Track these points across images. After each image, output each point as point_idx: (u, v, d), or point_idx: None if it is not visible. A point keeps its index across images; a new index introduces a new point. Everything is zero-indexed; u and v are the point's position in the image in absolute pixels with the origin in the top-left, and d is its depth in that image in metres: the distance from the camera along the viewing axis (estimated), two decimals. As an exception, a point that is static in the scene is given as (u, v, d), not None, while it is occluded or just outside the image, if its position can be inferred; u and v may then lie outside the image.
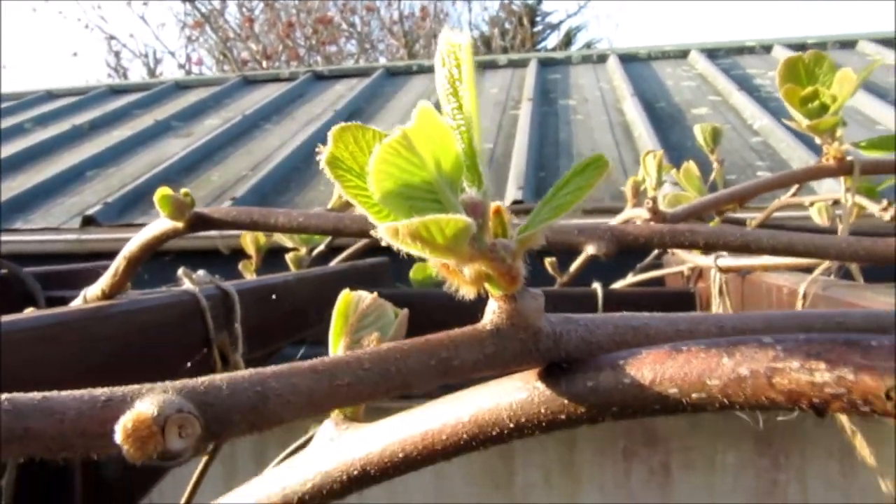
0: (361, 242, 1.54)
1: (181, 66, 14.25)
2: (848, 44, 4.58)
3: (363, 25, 13.82)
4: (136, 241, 0.82)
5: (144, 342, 0.91)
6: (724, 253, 1.14)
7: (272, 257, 1.40)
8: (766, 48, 4.79)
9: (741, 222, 1.35)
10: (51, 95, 5.46)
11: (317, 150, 0.25)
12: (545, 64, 4.99)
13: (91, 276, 0.93)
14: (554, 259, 1.60)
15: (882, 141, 0.98)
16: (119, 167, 3.59)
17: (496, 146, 3.37)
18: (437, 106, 0.24)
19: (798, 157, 2.73)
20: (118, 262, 0.85)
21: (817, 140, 0.98)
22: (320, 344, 0.35)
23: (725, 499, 2.33)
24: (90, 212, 2.77)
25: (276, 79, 5.39)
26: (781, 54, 4.03)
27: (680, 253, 1.28)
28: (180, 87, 5.39)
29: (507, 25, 13.72)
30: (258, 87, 5.16)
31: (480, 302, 0.28)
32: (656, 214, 0.91)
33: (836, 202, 1.27)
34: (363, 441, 0.29)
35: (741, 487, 2.32)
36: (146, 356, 0.89)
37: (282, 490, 0.31)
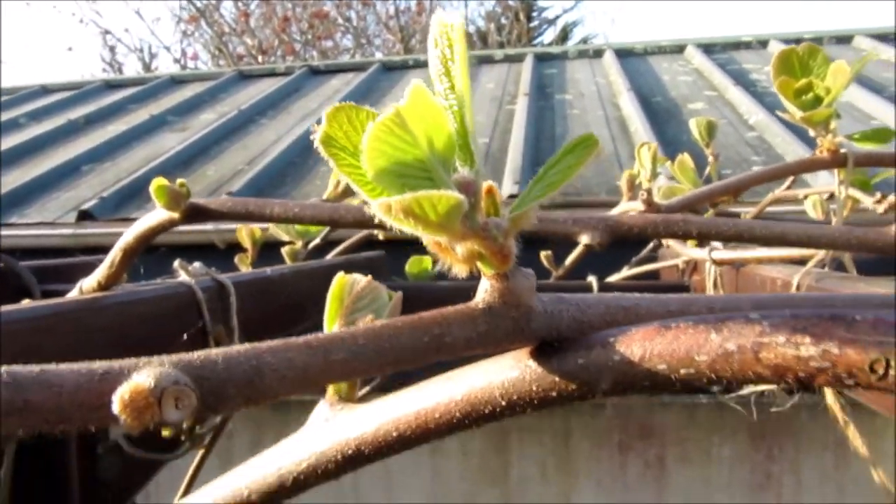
0: (357, 236, 1.55)
1: (176, 61, 14.22)
2: (844, 39, 4.59)
3: (359, 20, 13.80)
4: (132, 231, 0.82)
5: (140, 334, 0.92)
6: (719, 246, 1.14)
7: (268, 251, 1.40)
8: (763, 43, 4.79)
9: (735, 216, 1.36)
10: (46, 90, 5.45)
11: (312, 129, 0.25)
12: (541, 59, 4.99)
13: (87, 270, 0.93)
14: (549, 252, 1.61)
15: (876, 133, 0.99)
16: (114, 162, 3.58)
17: (492, 141, 3.37)
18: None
19: (793, 152, 2.73)
20: (114, 254, 0.85)
21: (811, 133, 0.98)
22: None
23: (721, 491, 2.34)
24: (86, 206, 2.77)
25: (272, 73, 5.38)
26: (778, 49, 4.04)
27: (675, 246, 1.29)
28: (176, 81, 5.38)
29: (503, 21, 13.70)
30: (254, 82, 5.15)
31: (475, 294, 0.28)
32: (651, 206, 0.92)
33: (831, 196, 1.27)
34: (357, 421, 0.30)
35: (736, 480, 2.33)
36: (141, 348, 0.90)
37: (277, 470, 0.31)
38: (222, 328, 1.02)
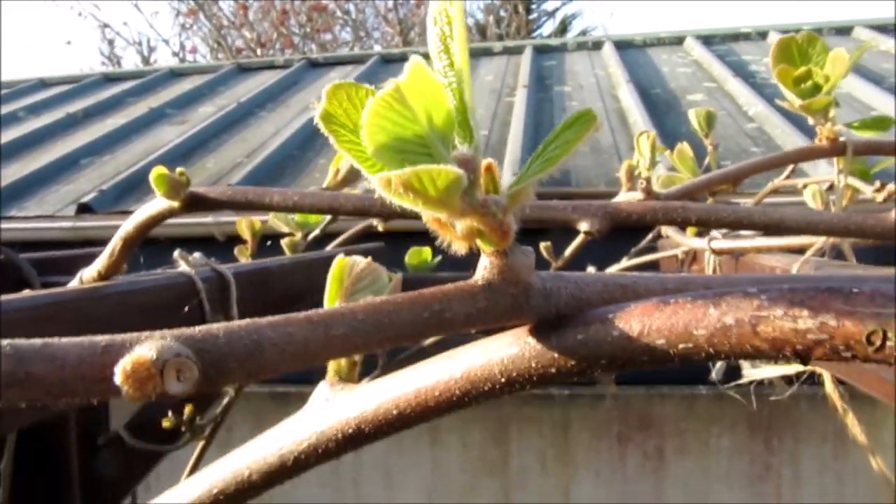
0: (357, 227, 1.55)
1: (175, 54, 14.20)
2: (844, 30, 4.58)
3: (358, 13, 13.78)
4: (132, 221, 0.82)
5: (140, 323, 0.92)
6: (718, 235, 1.15)
7: (268, 243, 1.40)
8: (762, 34, 4.79)
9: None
10: (44, 84, 5.44)
11: (312, 105, 0.25)
12: (540, 51, 4.98)
13: (87, 262, 0.93)
14: (549, 243, 1.61)
15: (875, 121, 0.99)
16: (114, 155, 3.58)
17: (491, 133, 3.37)
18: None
19: (793, 144, 2.73)
20: (114, 243, 0.85)
21: (811, 122, 0.98)
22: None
23: (720, 482, 2.35)
24: (85, 199, 2.77)
25: (271, 66, 5.37)
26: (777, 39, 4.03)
27: (674, 236, 1.29)
28: (175, 74, 5.37)
29: (502, 13, 13.67)
30: (253, 75, 5.15)
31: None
32: (650, 195, 0.92)
33: (831, 187, 1.27)
34: (358, 400, 0.30)
35: (735, 471, 2.34)
36: (142, 337, 0.90)
37: (278, 450, 0.31)
38: (222, 318, 1.02)
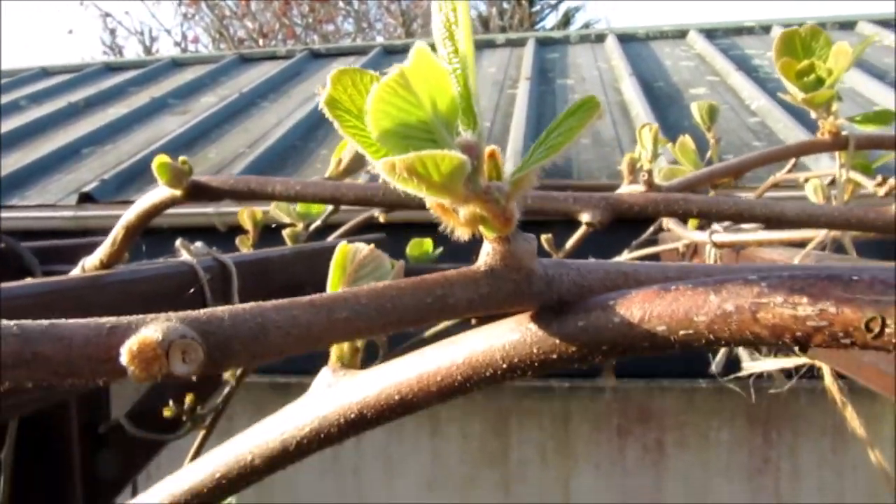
0: (358, 218, 1.55)
1: (177, 44, 14.18)
2: (847, 24, 4.57)
3: (360, 4, 13.74)
4: (134, 209, 0.83)
5: (141, 312, 0.92)
6: (719, 228, 1.15)
7: (269, 234, 1.40)
8: (765, 28, 4.77)
9: (736, 198, 1.35)
10: (46, 73, 5.44)
11: (317, 91, 0.25)
12: (543, 43, 4.97)
13: (88, 251, 0.93)
14: (550, 236, 1.61)
15: (877, 115, 0.99)
16: (115, 144, 3.58)
17: (494, 125, 3.37)
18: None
19: (795, 138, 2.73)
20: (116, 232, 0.85)
21: (813, 116, 0.98)
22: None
23: (719, 475, 2.35)
24: (87, 189, 2.77)
25: (273, 57, 5.36)
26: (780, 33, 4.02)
27: (675, 229, 1.29)
28: (177, 64, 5.37)
29: (505, 5, 13.63)
30: (255, 65, 5.14)
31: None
32: (651, 187, 0.92)
33: (833, 182, 1.28)
34: (360, 386, 0.30)
35: (735, 464, 2.35)
36: (144, 325, 0.90)
37: (280, 435, 0.32)
38: (224, 308, 1.03)
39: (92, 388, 1.18)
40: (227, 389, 1.15)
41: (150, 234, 1.01)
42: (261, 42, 12.80)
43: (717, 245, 1.15)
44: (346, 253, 0.35)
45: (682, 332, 0.24)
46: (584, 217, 0.64)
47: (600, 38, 5.01)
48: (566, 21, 14.28)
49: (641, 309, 0.25)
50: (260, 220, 1.38)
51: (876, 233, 0.68)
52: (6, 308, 0.69)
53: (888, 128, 1.01)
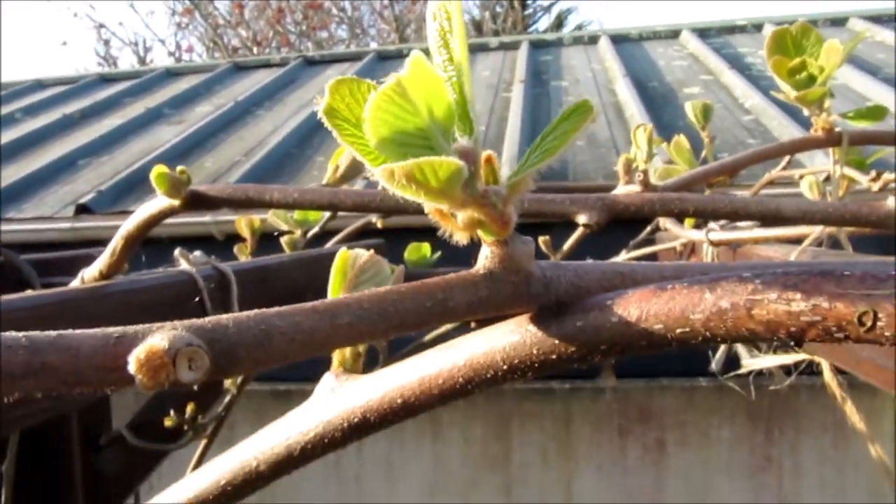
0: (356, 224, 1.55)
1: (171, 54, 14.19)
2: (839, 21, 4.59)
3: (354, 10, 13.76)
4: (133, 220, 0.83)
5: (142, 322, 0.92)
6: (716, 227, 1.15)
7: (267, 242, 1.41)
8: (757, 27, 4.79)
9: (732, 197, 1.36)
10: (41, 85, 5.44)
11: (315, 100, 0.26)
12: (537, 46, 4.98)
13: (87, 262, 0.93)
14: (548, 238, 1.61)
15: (870, 111, 0.99)
16: (111, 155, 3.58)
17: (488, 128, 3.37)
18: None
19: (790, 135, 2.74)
20: (115, 242, 0.86)
21: (806, 113, 0.99)
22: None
23: (720, 473, 2.36)
24: (83, 200, 2.77)
25: (267, 65, 5.37)
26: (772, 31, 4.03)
27: (672, 228, 1.29)
28: (171, 74, 5.37)
29: (497, 9, 13.66)
30: (249, 74, 5.15)
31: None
32: (647, 187, 0.92)
33: (828, 178, 1.28)
34: (363, 390, 0.30)
35: (736, 462, 2.35)
36: (144, 335, 0.90)
37: (285, 441, 0.32)
38: (223, 316, 1.03)
39: (93, 400, 1.18)
40: (228, 398, 1.16)
41: (149, 244, 1.01)
42: (255, 50, 12.81)
43: (713, 243, 1.16)
44: (347, 259, 0.35)
45: (678, 330, 0.25)
46: (581, 218, 0.64)
47: (593, 39, 5.02)
48: (559, 23, 14.31)
49: (638, 308, 0.25)
50: (258, 228, 1.38)
51: (870, 228, 0.68)
52: (6, 320, 0.69)
53: (881, 123, 1.02)
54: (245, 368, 0.24)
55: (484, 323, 0.30)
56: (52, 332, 0.22)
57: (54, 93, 5.07)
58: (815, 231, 0.95)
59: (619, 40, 4.83)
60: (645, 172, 0.92)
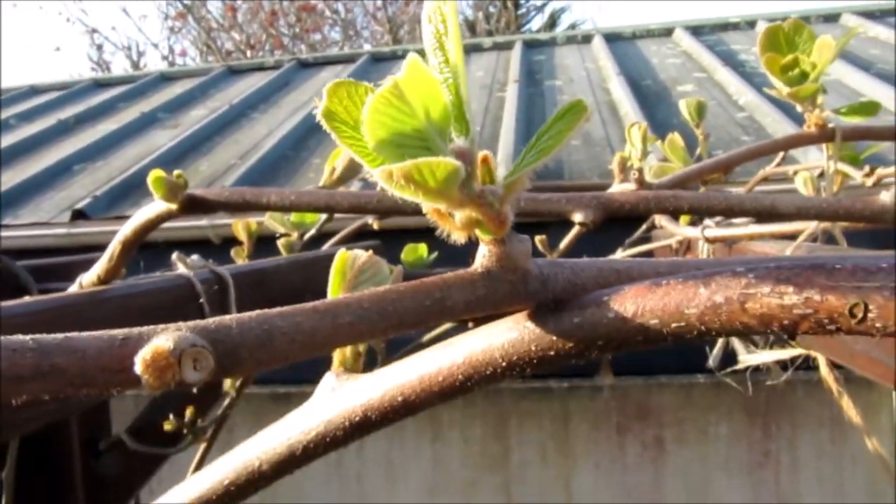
0: (352, 226, 1.56)
1: (164, 58, 14.17)
2: (831, 17, 4.60)
3: (347, 12, 13.76)
4: (130, 224, 0.83)
5: (140, 326, 0.92)
6: (711, 224, 1.16)
7: (263, 245, 1.41)
8: (750, 24, 4.80)
9: (727, 194, 1.36)
10: (35, 91, 5.43)
11: (314, 104, 0.26)
12: (530, 45, 4.99)
13: (83, 268, 0.93)
14: (544, 237, 1.62)
15: (863, 106, 1.00)
16: (106, 160, 3.58)
17: (483, 128, 3.38)
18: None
19: (784, 131, 2.75)
20: (113, 247, 0.86)
21: (800, 110, 1.00)
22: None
23: (719, 470, 2.36)
24: (79, 205, 2.77)
25: (261, 68, 5.37)
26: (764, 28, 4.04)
27: (667, 226, 1.30)
28: (165, 78, 5.37)
29: (491, 9, 13.67)
30: (243, 77, 5.14)
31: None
32: (642, 185, 0.93)
33: (822, 174, 1.29)
34: (363, 389, 0.31)
35: (734, 458, 2.36)
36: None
37: (287, 440, 0.32)
38: (221, 319, 1.03)
39: (92, 405, 1.18)
40: (227, 401, 1.16)
41: (146, 249, 1.02)
42: (248, 53, 12.81)
43: (709, 240, 1.16)
44: (346, 259, 0.35)
45: (674, 325, 0.25)
46: (577, 217, 0.65)
47: (587, 38, 5.03)
48: (552, 23, 14.32)
49: (634, 304, 0.26)
50: (254, 231, 1.39)
51: (865, 223, 0.69)
52: (6, 326, 0.69)
53: (874, 119, 1.03)
54: (248, 368, 0.24)
55: (481, 321, 0.31)
56: (59, 335, 0.23)
57: (49, 98, 5.07)
58: (810, 227, 0.96)
59: (612, 39, 4.84)
60: (640, 170, 0.92)
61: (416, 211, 0.28)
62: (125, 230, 0.84)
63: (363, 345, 0.35)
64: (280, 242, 1.39)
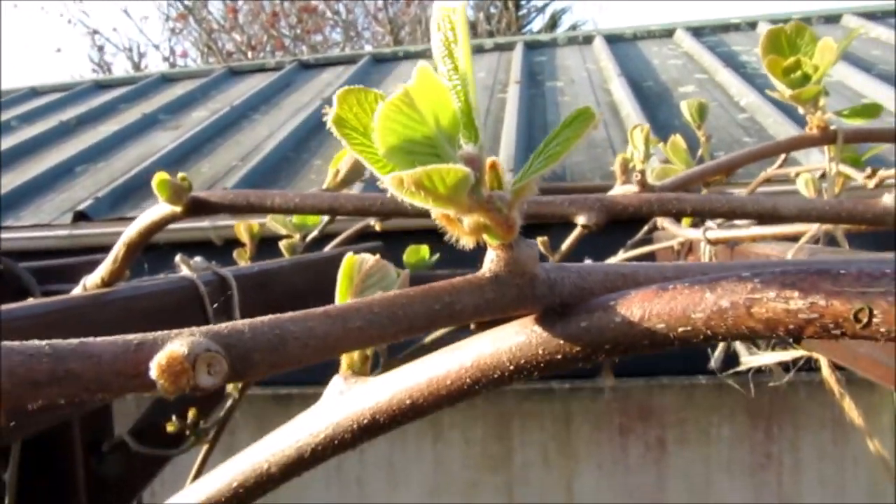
0: (354, 227, 1.56)
1: (165, 59, 14.19)
2: (832, 18, 4.60)
3: (348, 13, 13.77)
4: (134, 226, 0.83)
5: (144, 328, 0.92)
6: (713, 226, 1.16)
7: (266, 246, 1.41)
8: (752, 25, 4.80)
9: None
10: (36, 92, 5.44)
11: (323, 111, 0.26)
12: (531, 47, 4.99)
13: (86, 270, 0.93)
14: (546, 238, 1.62)
15: (865, 108, 1.00)
16: (108, 162, 3.58)
17: (485, 129, 3.38)
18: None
19: (785, 133, 2.75)
20: (117, 249, 0.86)
21: (802, 112, 1.00)
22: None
23: (721, 471, 2.36)
24: (81, 207, 2.77)
25: (263, 69, 5.37)
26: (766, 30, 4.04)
27: (669, 227, 1.30)
28: (166, 79, 5.37)
29: (492, 10, 13.68)
30: (244, 78, 5.15)
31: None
32: (645, 187, 0.93)
33: (824, 175, 1.29)
34: (372, 392, 0.31)
35: (736, 459, 2.36)
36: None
37: (295, 443, 0.33)
38: (224, 321, 1.03)
39: (95, 407, 1.18)
40: (229, 403, 1.16)
41: (149, 251, 1.02)
42: (249, 55, 12.82)
43: (711, 242, 1.16)
44: (353, 264, 0.36)
45: (680, 329, 0.25)
46: (580, 219, 0.65)
47: (588, 39, 5.04)
48: (553, 24, 14.33)
49: (641, 308, 0.26)
50: (257, 232, 1.39)
51: (867, 225, 0.69)
52: (8, 329, 0.69)
53: (876, 121, 1.03)
54: (260, 372, 0.25)
55: (484, 325, 0.31)
56: (74, 340, 0.23)
57: (50, 100, 5.07)
58: (812, 229, 0.96)
59: (613, 40, 4.84)
60: (642, 172, 0.92)
61: (419, 213, 0.28)
62: (129, 232, 0.84)
63: (372, 348, 0.35)
64: (282, 244, 1.39)
